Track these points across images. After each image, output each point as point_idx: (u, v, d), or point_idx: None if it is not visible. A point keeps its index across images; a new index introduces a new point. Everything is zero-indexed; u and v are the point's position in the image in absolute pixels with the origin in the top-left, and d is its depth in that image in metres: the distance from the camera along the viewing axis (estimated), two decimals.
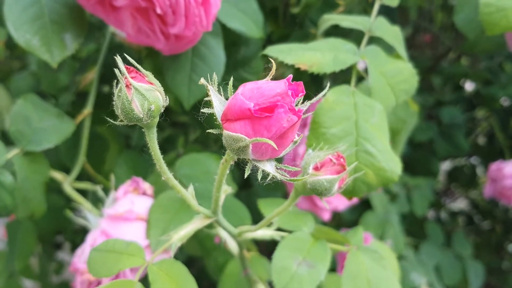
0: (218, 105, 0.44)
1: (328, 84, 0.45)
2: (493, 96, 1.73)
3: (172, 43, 0.81)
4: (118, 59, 0.44)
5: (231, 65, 0.92)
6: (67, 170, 0.97)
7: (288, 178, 0.43)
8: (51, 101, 1.23)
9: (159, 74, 0.89)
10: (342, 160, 0.54)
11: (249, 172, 0.42)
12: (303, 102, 0.44)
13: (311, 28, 1.08)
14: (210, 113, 0.43)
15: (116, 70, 0.44)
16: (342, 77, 0.79)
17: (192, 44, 0.83)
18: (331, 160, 0.54)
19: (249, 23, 0.89)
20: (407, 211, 1.59)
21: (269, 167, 0.43)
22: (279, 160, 0.46)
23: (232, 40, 0.93)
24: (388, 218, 1.42)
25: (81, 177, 0.98)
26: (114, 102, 0.46)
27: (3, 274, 1.23)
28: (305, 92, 0.41)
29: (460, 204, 2.38)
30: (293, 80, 0.40)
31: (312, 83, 1.06)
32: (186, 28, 0.77)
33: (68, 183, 0.90)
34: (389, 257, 0.75)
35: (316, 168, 0.54)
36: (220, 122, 0.43)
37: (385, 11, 0.94)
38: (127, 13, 0.79)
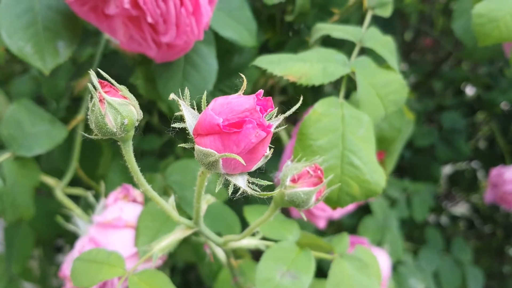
0: (190, 119, 0.44)
1: (302, 97, 0.45)
2: (494, 101, 1.73)
3: (164, 51, 0.81)
4: (92, 74, 0.44)
5: (224, 73, 0.93)
6: (62, 174, 0.97)
7: (258, 193, 0.43)
8: (52, 105, 1.24)
9: (152, 81, 0.89)
10: (319, 172, 0.54)
11: (220, 186, 0.43)
12: (277, 115, 0.44)
13: (307, 36, 1.08)
14: None
15: (90, 85, 0.44)
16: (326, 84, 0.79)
17: (184, 52, 0.83)
18: (308, 172, 0.54)
19: (242, 31, 0.89)
20: (406, 216, 1.59)
21: (241, 181, 0.44)
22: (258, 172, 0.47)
23: (225, 48, 0.93)
24: (387, 223, 1.42)
25: (76, 182, 0.99)
26: (88, 116, 0.46)
27: (3, 277, 1.24)
28: (274, 108, 0.42)
29: (461, 208, 2.37)
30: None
31: (311, 90, 1.06)
32: (177, 37, 0.77)
33: (59, 189, 0.90)
34: (371, 262, 0.75)
35: (294, 180, 0.54)
36: (192, 136, 0.43)
37: (386, 18, 0.94)
38: (119, 21, 0.79)
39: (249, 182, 0.44)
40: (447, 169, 2.19)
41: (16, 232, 1.10)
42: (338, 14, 1.03)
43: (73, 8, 0.80)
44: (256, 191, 0.43)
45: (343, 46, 0.99)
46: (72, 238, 1.53)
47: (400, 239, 1.44)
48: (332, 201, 0.73)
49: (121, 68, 1.02)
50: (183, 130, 0.50)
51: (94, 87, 0.44)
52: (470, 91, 2.04)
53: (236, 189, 0.43)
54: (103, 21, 0.81)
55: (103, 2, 0.78)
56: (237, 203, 1.01)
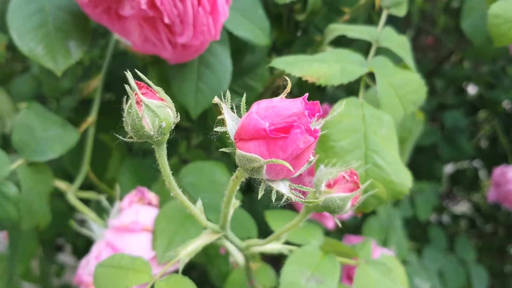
0: (231, 123, 0.43)
1: (344, 102, 0.44)
2: (496, 100, 1.73)
3: (179, 52, 0.80)
4: (129, 75, 0.43)
5: (236, 72, 0.91)
6: (68, 176, 0.96)
7: (303, 200, 0.42)
8: (52, 104, 1.22)
9: (165, 82, 0.88)
10: (355, 177, 0.53)
11: (263, 192, 0.41)
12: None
13: (315, 35, 1.07)
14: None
15: (127, 86, 0.43)
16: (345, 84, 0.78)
17: (199, 53, 0.82)
18: (344, 177, 0.53)
19: (256, 30, 0.88)
20: (410, 215, 1.59)
21: (283, 188, 0.42)
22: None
23: (237, 47, 0.92)
24: (391, 223, 1.41)
25: (83, 184, 0.97)
26: (123, 119, 0.45)
27: (3, 277, 1.22)
28: (321, 112, 0.40)
29: (462, 207, 2.37)
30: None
31: (316, 90, 1.05)
32: (194, 37, 0.75)
33: (72, 193, 0.89)
34: (396, 268, 0.74)
35: (329, 185, 0.53)
36: (233, 140, 0.42)
37: (389, 16, 0.93)
38: (134, 22, 0.77)
39: (291, 188, 0.43)
40: (448, 168, 2.19)
41: (20, 232, 1.08)
42: (348, 13, 1.02)
43: (85, 10, 0.79)
44: (299, 197, 0.42)
45: (350, 46, 0.98)
46: (72, 237, 1.52)
47: (404, 239, 1.43)
48: (357, 206, 0.72)
49: (131, 69, 1.00)
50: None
51: (131, 88, 0.43)
52: (472, 90, 2.04)
53: (279, 196, 0.42)
54: (115, 22, 0.80)
55: (117, 3, 0.76)
56: (244, 203, 1.00)
